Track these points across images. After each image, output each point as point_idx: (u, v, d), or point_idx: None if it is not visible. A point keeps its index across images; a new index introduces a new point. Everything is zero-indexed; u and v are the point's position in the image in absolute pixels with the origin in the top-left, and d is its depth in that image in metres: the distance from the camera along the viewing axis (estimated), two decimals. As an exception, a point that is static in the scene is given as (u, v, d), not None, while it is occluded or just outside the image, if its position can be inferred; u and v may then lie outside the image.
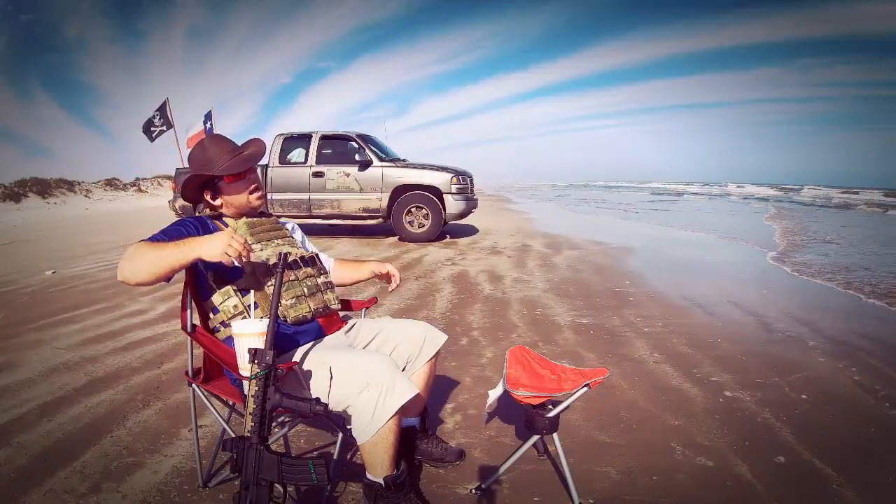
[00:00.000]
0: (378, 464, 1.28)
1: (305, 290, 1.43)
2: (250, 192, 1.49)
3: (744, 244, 7.39)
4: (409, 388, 1.26)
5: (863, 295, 4.18)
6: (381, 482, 1.29)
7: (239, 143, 1.53)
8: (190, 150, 1.55)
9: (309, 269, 1.48)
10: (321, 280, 1.51)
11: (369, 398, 1.22)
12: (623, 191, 34.43)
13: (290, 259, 1.42)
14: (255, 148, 1.51)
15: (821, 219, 12.73)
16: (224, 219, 1.49)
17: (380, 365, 1.27)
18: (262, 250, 1.41)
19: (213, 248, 1.18)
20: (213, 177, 1.44)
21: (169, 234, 1.34)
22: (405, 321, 1.64)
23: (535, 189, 36.17)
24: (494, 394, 1.53)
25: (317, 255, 1.58)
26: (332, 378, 1.26)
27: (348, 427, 1.31)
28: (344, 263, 1.77)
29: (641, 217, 12.63)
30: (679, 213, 14.37)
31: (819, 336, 3.05)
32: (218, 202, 1.49)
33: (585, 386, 1.40)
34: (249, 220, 1.49)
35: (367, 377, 1.24)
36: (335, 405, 1.25)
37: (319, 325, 1.49)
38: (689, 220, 11.75)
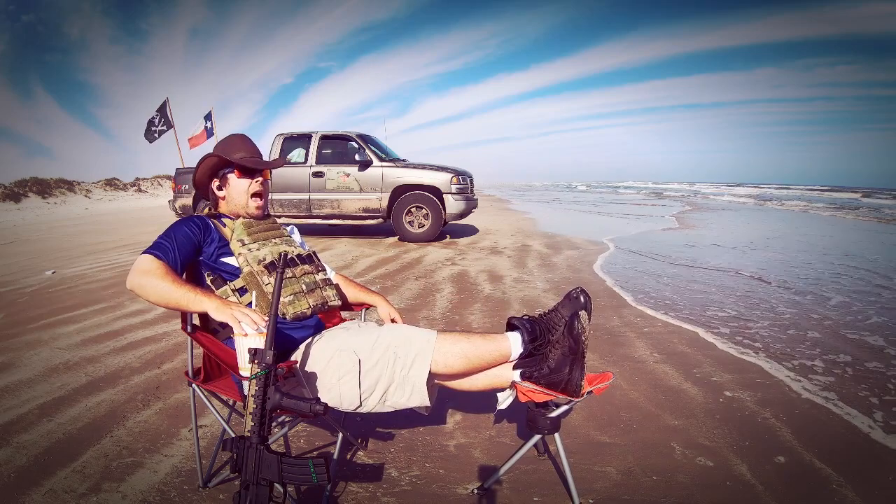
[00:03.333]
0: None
1: (304, 286, 1.43)
2: (251, 195, 1.50)
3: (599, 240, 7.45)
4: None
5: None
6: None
7: None
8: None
9: (306, 267, 1.49)
10: (319, 277, 1.51)
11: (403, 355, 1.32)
12: (597, 191, 35.03)
13: (288, 257, 1.43)
14: (276, 162, 1.63)
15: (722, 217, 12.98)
16: (222, 218, 1.50)
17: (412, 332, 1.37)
18: (258, 249, 1.42)
19: (224, 313, 1.22)
20: (227, 163, 1.49)
21: (173, 239, 1.35)
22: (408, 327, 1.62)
23: (500, 188, 36.83)
24: (503, 395, 1.53)
25: (314, 252, 1.59)
26: (360, 361, 1.31)
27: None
28: (349, 282, 1.74)
29: (577, 210, 13.55)
30: (608, 210, 14.84)
31: (818, 335, 3.06)
32: (222, 193, 1.52)
33: (589, 392, 1.40)
34: (247, 220, 1.50)
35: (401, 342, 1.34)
36: (375, 387, 1.31)
37: (319, 320, 1.49)
38: (609, 214, 12.91)
